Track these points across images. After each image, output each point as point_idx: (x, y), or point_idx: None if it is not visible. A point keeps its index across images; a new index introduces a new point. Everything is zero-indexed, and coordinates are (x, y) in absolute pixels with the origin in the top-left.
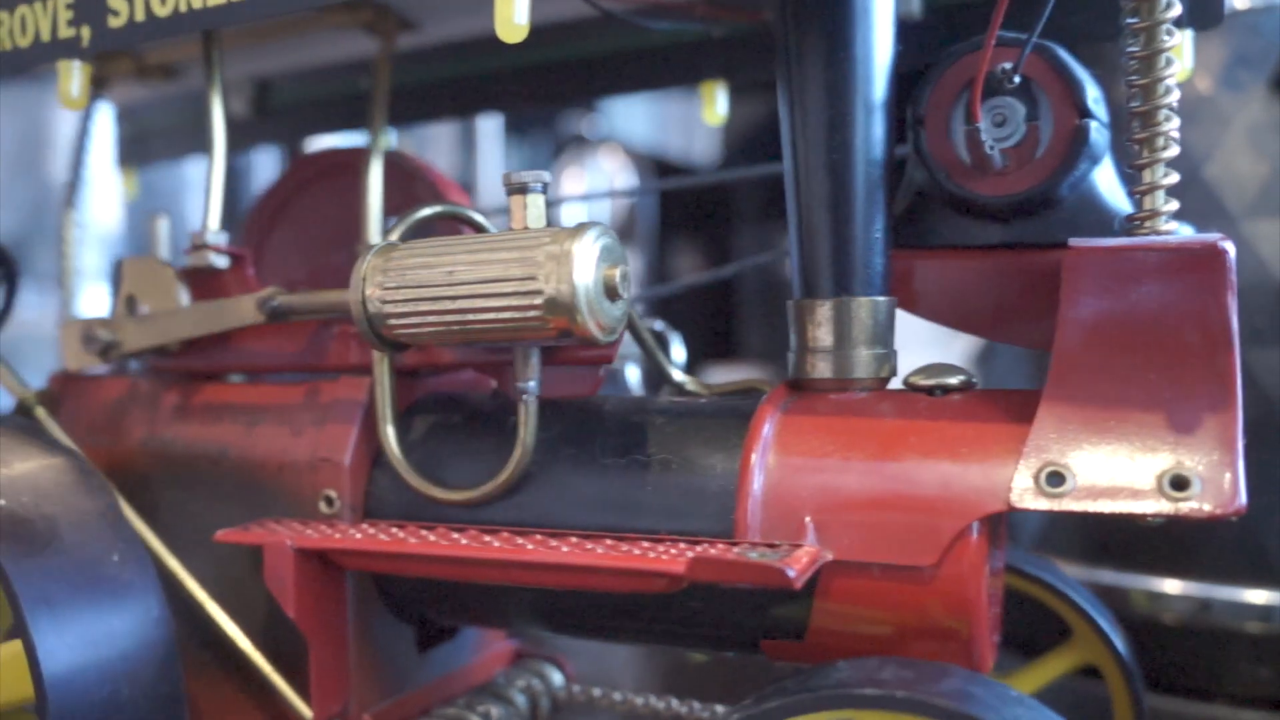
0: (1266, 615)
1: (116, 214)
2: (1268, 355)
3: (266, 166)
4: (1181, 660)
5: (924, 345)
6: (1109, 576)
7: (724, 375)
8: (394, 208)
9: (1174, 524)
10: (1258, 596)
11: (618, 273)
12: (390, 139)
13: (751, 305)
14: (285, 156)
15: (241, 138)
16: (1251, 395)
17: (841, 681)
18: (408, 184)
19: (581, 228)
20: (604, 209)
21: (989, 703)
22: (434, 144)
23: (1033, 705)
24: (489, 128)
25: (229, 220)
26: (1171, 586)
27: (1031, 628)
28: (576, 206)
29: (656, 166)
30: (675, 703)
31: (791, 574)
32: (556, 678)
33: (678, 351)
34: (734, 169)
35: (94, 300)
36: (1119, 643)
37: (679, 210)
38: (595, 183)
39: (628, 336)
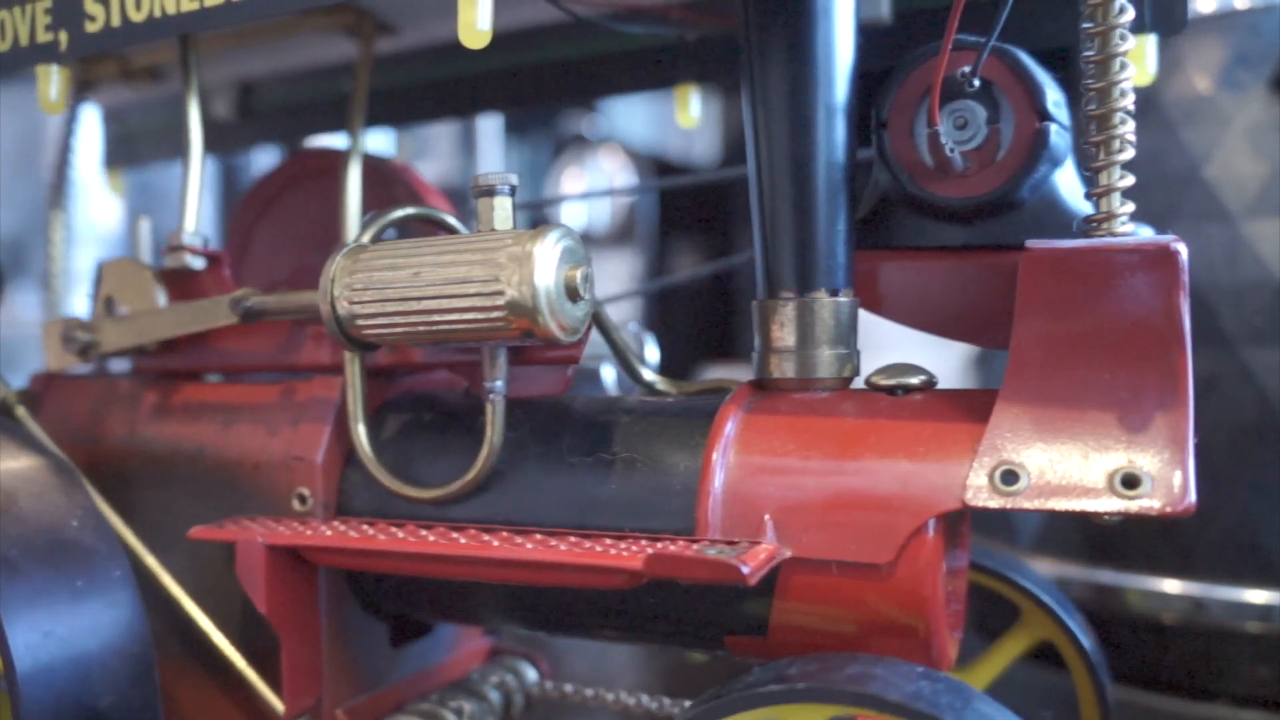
0: (1266, 615)
1: (115, 215)
2: (1268, 355)
3: (264, 167)
4: (1181, 660)
5: (919, 346)
6: (1108, 576)
7: (722, 375)
8: (373, 209)
9: (1172, 523)
10: (1257, 596)
11: (579, 274)
12: (389, 139)
13: (750, 305)
14: (283, 157)
15: (227, 140)
16: (1251, 395)
17: (751, 683)
18: (387, 186)
19: (543, 230)
20: (604, 209)
21: (890, 680)
22: (434, 145)
23: (939, 678)
24: (489, 128)
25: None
26: (1171, 586)
27: (993, 616)
28: (576, 206)
29: (656, 166)
30: (645, 698)
31: (747, 571)
32: (531, 674)
33: (651, 352)
34: (733, 168)
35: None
36: (1066, 617)
37: (678, 210)
38: (595, 183)
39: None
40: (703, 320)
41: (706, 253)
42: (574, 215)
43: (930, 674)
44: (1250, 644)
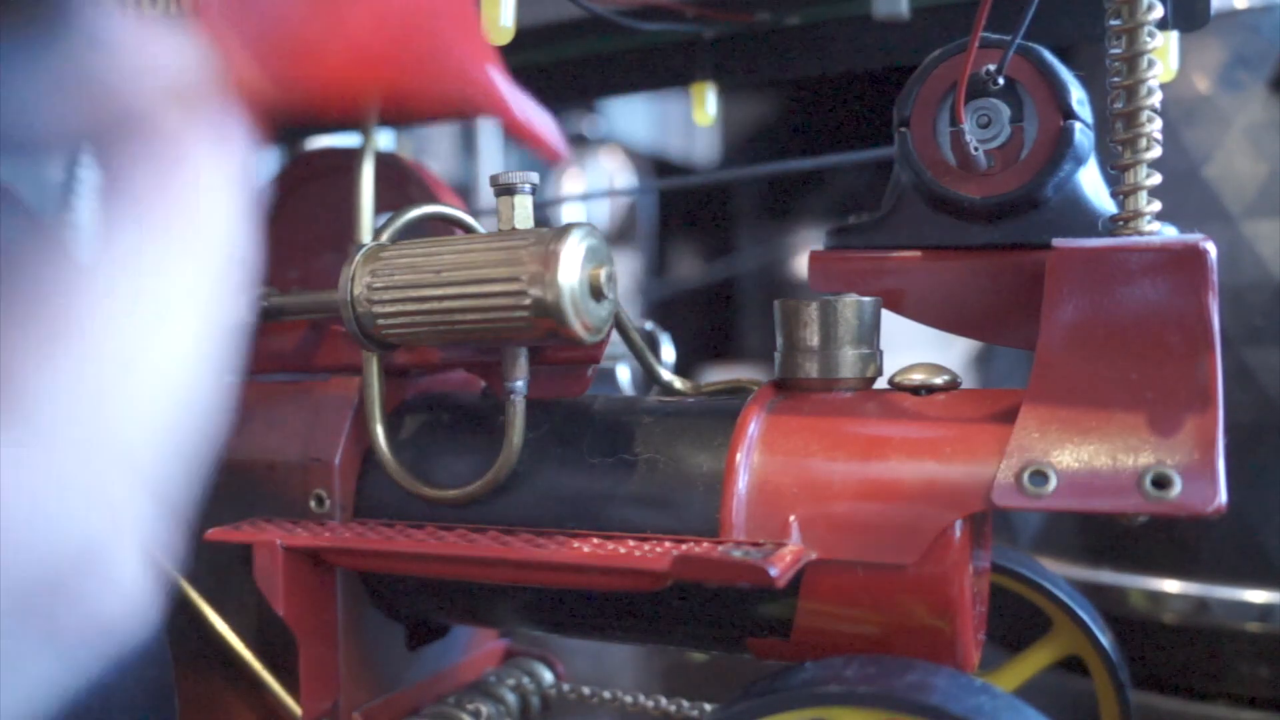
0: (1266, 615)
1: None
2: (1267, 355)
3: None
4: (1181, 660)
5: (914, 345)
6: (1108, 576)
7: (723, 376)
8: (387, 208)
9: (1173, 524)
10: (1257, 596)
11: (603, 273)
12: (388, 140)
13: (751, 305)
14: (284, 156)
15: None
16: (1252, 395)
17: (807, 681)
18: (400, 184)
19: (567, 229)
20: (604, 209)
21: (951, 692)
22: (434, 145)
23: (996, 693)
24: (489, 128)
25: None
26: (1171, 586)
27: (1015, 623)
28: (576, 206)
29: (656, 166)
30: (664, 701)
31: (774, 572)
32: (547, 676)
33: (667, 351)
34: (734, 169)
35: None
36: (1099, 632)
37: (679, 210)
38: (595, 183)
39: (618, 336)
40: (703, 321)
41: (706, 253)
42: (573, 215)
43: (989, 689)
44: (1250, 644)
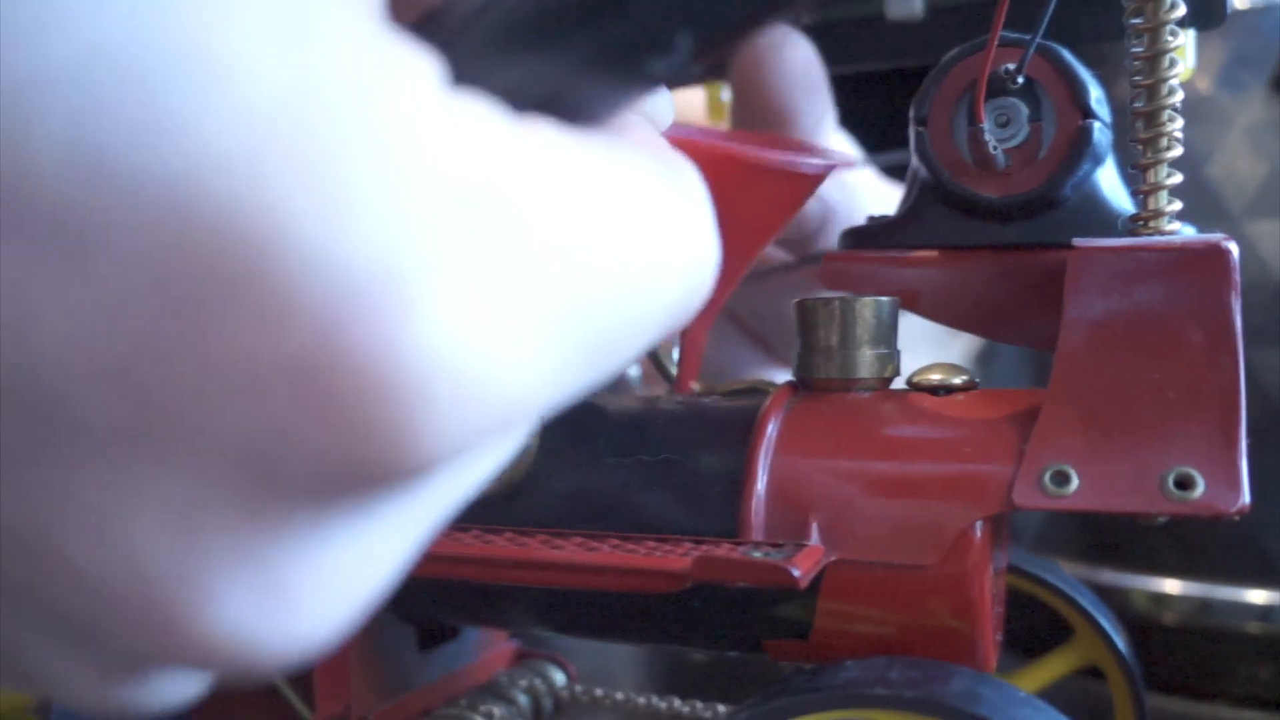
0: (1267, 615)
1: None
2: (1268, 355)
3: None
4: (1182, 660)
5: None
6: (1109, 576)
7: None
8: None
9: (1175, 524)
10: (1258, 596)
11: None
12: None
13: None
14: None
15: None
16: (1252, 395)
17: (850, 681)
18: None
19: None
20: None
21: (996, 703)
22: None
23: (1040, 706)
24: None
25: None
26: (1172, 586)
27: (1033, 627)
28: None
29: None
30: (678, 702)
31: (797, 573)
32: (559, 677)
33: (679, 352)
34: None
35: None
36: (1120, 643)
37: None
38: None
39: None
40: None
41: None
42: None
43: (1030, 700)
44: (1250, 644)
